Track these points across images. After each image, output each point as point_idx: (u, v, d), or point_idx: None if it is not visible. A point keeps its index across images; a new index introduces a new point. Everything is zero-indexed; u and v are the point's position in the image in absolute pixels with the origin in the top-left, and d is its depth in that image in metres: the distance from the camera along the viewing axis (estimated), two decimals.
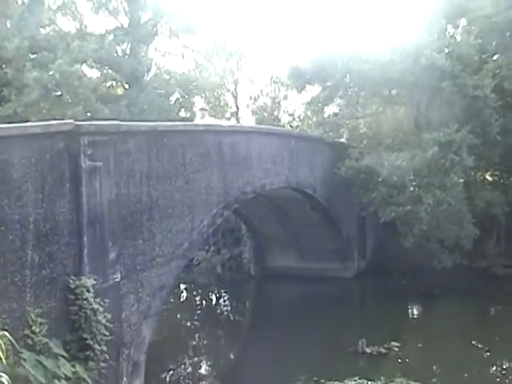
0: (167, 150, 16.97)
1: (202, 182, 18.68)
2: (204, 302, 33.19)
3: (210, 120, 22.62)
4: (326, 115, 32.63)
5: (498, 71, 30.54)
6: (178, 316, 29.56)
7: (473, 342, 21.69)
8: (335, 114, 32.34)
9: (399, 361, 19.63)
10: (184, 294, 34.62)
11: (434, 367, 19.39)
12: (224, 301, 33.08)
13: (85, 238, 13.59)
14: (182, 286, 34.80)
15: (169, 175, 16.97)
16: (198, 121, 21.64)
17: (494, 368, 19.44)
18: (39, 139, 12.61)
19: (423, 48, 27.64)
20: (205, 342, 25.20)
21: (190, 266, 35.72)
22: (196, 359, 21.98)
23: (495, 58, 31.66)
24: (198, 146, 18.65)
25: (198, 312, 30.61)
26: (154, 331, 17.40)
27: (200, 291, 34.89)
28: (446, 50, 28.63)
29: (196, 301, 33.74)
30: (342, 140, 33.95)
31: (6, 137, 11.71)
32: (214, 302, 32.88)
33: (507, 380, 18.28)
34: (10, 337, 7.15)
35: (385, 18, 30.71)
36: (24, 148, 12.18)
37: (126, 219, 15.15)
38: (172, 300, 32.05)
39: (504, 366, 19.50)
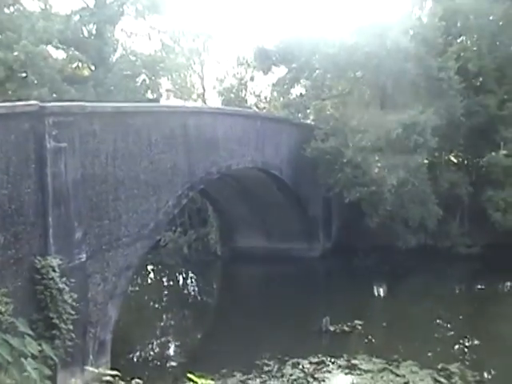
0: (132, 130, 17.07)
1: (168, 163, 18.82)
2: (171, 283, 33.31)
3: (175, 101, 22.70)
4: (292, 97, 32.71)
5: (462, 53, 30.92)
6: (146, 297, 29.66)
7: (436, 321, 22.26)
8: (301, 96, 32.49)
9: (362, 339, 19.98)
10: (151, 275, 34.75)
11: (397, 345, 19.68)
12: (191, 282, 33.25)
13: (50, 219, 13.71)
14: (150, 267, 34.92)
15: (134, 156, 17.07)
16: (163, 102, 21.70)
17: (456, 345, 19.91)
18: (4, 120, 12.65)
19: (388, 30, 27.89)
20: (172, 322, 25.37)
21: (157, 248, 35.85)
22: (163, 339, 22.10)
23: (459, 40, 31.91)
24: (163, 127, 18.77)
25: (165, 293, 30.77)
26: (122, 312, 17.57)
27: (167, 272, 34.94)
28: (411, 32, 28.85)
29: (163, 282, 33.85)
30: (308, 121, 34.16)
31: None
32: (180, 282, 33.03)
33: (469, 357, 18.73)
34: None
35: (350, 0, 30.92)
36: None
37: (91, 199, 15.27)
38: (139, 281, 32.25)
39: (466, 344, 19.99)
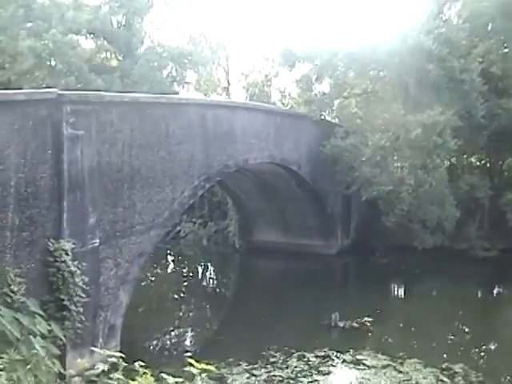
0: (150, 121, 17.42)
1: (185, 154, 19.16)
2: (189, 273, 33.65)
3: (195, 94, 23.02)
4: (314, 93, 32.84)
5: (486, 56, 30.81)
6: (164, 286, 30.15)
7: (448, 322, 22.32)
8: (323, 93, 32.63)
9: (370, 335, 20.14)
10: (171, 265, 35.24)
11: (404, 343, 19.94)
12: (208, 273, 33.64)
13: (65, 203, 14.12)
14: (170, 258, 35.44)
15: (151, 146, 17.44)
16: (183, 94, 22.03)
17: (465, 347, 20.02)
18: (22, 106, 13.06)
19: (411, 30, 27.94)
20: (186, 311, 25.77)
21: (177, 238, 36.38)
22: (175, 327, 22.43)
23: (485, 42, 31.78)
24: (181, 118, 19.13)
25: (183, 283, 31.05)
26: (138, 299, 17.96)
27: (186, 263, 35.39)
28: (435, 33, 28.81)
29: (182, 272, 34.19)
30: (329, 119, 34.31)
31: None
32: (198, 273, 33.37)
33: (476, 358, 18.88)
34: None
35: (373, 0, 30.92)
36: (7, 114, 12.64)
37: (106, 186, 15.67)
38: (159, 270, 32.76)
39: (476, 346, 20.00)
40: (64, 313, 13.68)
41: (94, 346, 14.87)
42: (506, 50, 31.77)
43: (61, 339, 12.58)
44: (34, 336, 11.59)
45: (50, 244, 13.63)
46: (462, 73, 28.50)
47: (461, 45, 29.43)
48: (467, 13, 30.94)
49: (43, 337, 11.97)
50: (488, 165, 35.88)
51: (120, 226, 16.22)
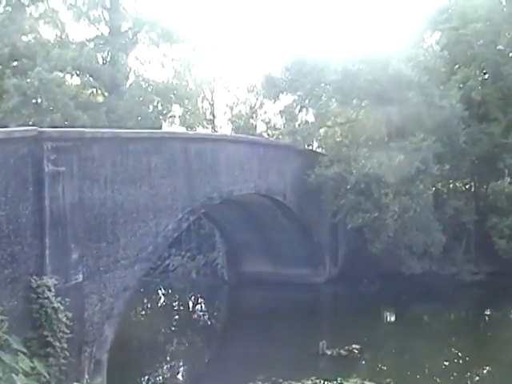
0: (132, 155, 17.53)
1: (168, 188, 19.25)
2: (179, 306, 33.65)
3: (178, 128, 23.22)
4: (297, 124, 33.21)
5: (465, 82, 31.25)
6: (154, 320, 30.10)
7: (437, 347, 22.34)
8: (307, 123, 32.99)
9: (357, 362, 20.25)
10: (161, 299, 35.24)
11: (393, 370, 20.00)
12: (198, 306, 33.67)
13: (47, 240, 14.12)
14: (160, 292, 35.46)
15: (134, 180, 17.53)
16: (166, 128, 22.21)
17: (457, 373, 20.07)
18: (3, 144, 13.13)
19: (390, 58, 28.37)
20: (176, 345, 25.66)
21: (167, 272, 36.44)
22: (164, 362, 22.54)
23: (463, 69, 32.27)
24: (164, 152, 19.25)
25: (173, 316, 31.05)
26: (127, 333, 17.90)
27: (176, 296, 35.45)
28: (414, 61, 29.26)
29: (172, 306, 34.16)
30: (314, 148, 34.61)
31: None
32: (188, 306, 33.42)
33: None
34: None
35: (354, 29, 31.47)
36: None
37: (89, 222, 15.70)
38: (149, 305, 32.78)
39: (467, 370, 20.20)
40: (48, 349, 13.61)
41: (80, 383, 14.83)
42: (486, 76, 32.23)
43: (44, 376, 12.55)
44: (17, 374, 11.61)
45: (33, 281, 13.60)
46: (442, 99, 28.90)
47: (440, 72, 29.89)
48: (445, 40, 31.43)
49: (26, 374, 11.99)
50: (473, 189, 36.18)
51: (104, 261, 16.23)
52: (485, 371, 20.51)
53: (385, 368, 20.29)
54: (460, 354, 22.12)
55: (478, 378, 19.90)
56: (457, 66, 32.84)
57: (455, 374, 20.00)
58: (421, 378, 18.96)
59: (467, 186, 36.67)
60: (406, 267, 29.65)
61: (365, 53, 29.42)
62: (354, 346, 21.09)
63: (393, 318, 28.72)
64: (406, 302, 28.94)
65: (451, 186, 36.22)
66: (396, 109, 28.99)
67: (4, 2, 37.65)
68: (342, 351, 20.83)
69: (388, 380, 18.10)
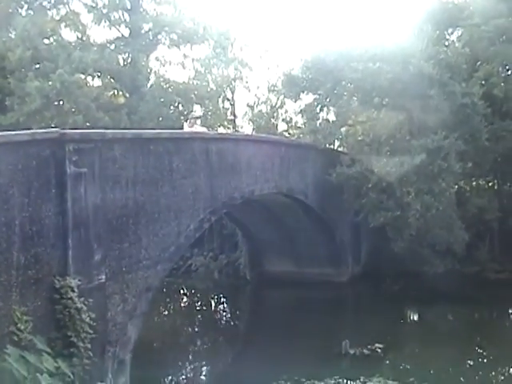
0: (153, 156, 17.60)
1: (189, 188, 19.31)
2: (202, 306, 33.75)
3: (199, 128, 23.28)
4: (318, 123, 33.17)
5: (488, 79, 31.02)
6: (177, 320, 30.25)
7: (461, 347, 22.16)
8: (327, 122, 32.97)
9: (380, 362, 20.15)
10: (184, 299, 35.38)
11: (417, 369, 19.77)
12: (221, 306, 33.73)
13: (70, 241, 14.21)
14: (182, 292, 35.60)
15: (155, 181, 17.60)
16: (187, 129, 22.28)
17: (482, 373, 19.94)
18: (26, 146, 13.24)
19: (411, 56, 28.24)
20: (199, 345, 25.64)
21: (189, 272, 36.56)
22: (187, 361, 22.59)
23: (485, 66, 32.03)
24: (185, 152, 19.31)
25: (196, 317, 31.15)
26: (150, 334, 17.94)
27: (199, 296, 35.57)
28: (435, 58, 29.09)
29: (195, 306, 34.30)
30: (335, 147, 34.54)
31: None
32: (211, 306, 33.45)
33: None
34: None
35: (374, 27, 31.31)
36: (11, 155, 12.80)
37: (111, 223, 15.78)
38: (172, 305, 32.92)
39: (491, 371, 19.93)
40: (72, 349, 13.69)
41: (103, 382, 14.92)
42: (508, 73, 31.97)
43: (69, 376, 12.65)
44: (41, 374, 11.72)
45: (56, 281, 13.70)
46: (464, 97, 28.71)
47: (462, 69, 29.70)
48: (467, 37, 31.22)
49: (51, 374, 12.09)
50: (496, 187, 35.89)
51: (126, 261, 16.32)
52: (511, 370, 20.29)
53: (408, 367, 20.16)
54: (484, 353, 21.97)
55: (503, 377, 19.69)
56: (479, 63, 32.51)
57: (480, 373, 19.86)
58: (445, 377, 18.82)
59: (490, 184, 36.31)
60: (429, 266, 29.36)
61: (385, 51, 29.32)
62: (377, 345, 21.01)
63: (416, 317, 28.55)
64: (429, 300, 28.60)
65: (474, 183, 35.91)
66: (417, 107, 28.85)
67: (26, 6, 38.11)
68: (365, 350, 20.76)
69: (411, 379, 18.03)
